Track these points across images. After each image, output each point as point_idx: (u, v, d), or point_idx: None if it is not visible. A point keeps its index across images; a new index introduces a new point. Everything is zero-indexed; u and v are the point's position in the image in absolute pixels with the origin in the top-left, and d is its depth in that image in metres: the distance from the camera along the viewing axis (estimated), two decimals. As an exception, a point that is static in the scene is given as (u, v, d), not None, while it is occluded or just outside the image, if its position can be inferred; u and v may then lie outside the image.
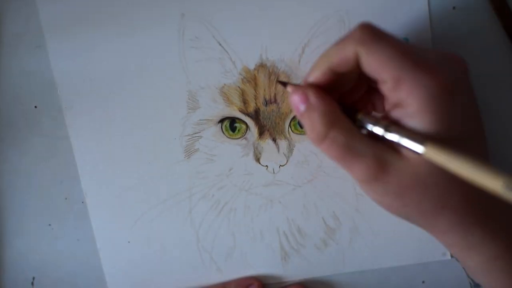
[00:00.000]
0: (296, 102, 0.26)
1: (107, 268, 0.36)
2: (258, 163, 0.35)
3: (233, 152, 0.35)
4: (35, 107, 0.35)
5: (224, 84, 0.34)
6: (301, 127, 0.34)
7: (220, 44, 0.34)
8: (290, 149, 0.34)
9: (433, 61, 0.24)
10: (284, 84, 0.30)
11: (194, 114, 0.34)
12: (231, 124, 0.34)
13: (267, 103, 0.34)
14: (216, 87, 0.34)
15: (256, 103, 0.34)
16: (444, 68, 0.24)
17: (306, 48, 0.33)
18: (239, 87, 0.34)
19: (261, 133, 0.34)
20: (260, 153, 0.34)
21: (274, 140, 0.34)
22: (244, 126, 0.34)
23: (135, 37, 0.34)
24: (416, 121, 0.24)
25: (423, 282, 0.36)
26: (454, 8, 0.33)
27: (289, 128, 0.34)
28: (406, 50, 0.24)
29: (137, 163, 0.35)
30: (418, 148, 0.23)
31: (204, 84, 0.34)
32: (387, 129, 0.25)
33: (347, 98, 0.29)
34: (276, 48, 0.33)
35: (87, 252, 0.36)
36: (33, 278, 0.37)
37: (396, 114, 0.25)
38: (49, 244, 0.36)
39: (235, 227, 0.36)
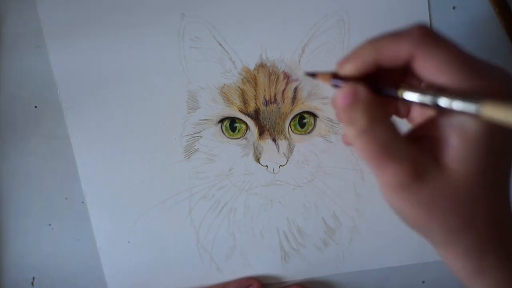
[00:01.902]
0: (343, 95, 0.24)
1: (107, 268, 0.36)
2: (258, 163, 0.35)
3: (233, 152, 0.35)
4: (35, 107, 0.35)
5: (224, 84, 0.34)
6: (302, 127, 0.34)
7: (220, 44, 0.34)
8: (290, 149, 0.34)
9: (489, 69, 0.24)
10: (313, 75, 0.27)
11: (194, 114, 0.34)
12: (231, 124, 0.34)
13: (267, 103, 0.34)
14: (216, 87, 0.34)
15: (256, 103, 0.34)
16: (496, 76, 0.24)
17: (306, 48, 0.33)
18: (239, 87, 0.34)
19: (261, 133, 0.34)
20: (260, 153, 0.34)
21: (274, 140, 0.34)
22: (244, 126, 0.34)
23: (135, 37, 0.34)
24: None
25: (423, 282, 0.36)
26: (454, 8, 0.33)
27: (289, 128, 0.34)
28: (464, 56, 0.23)
29: (137, 163, 0.35)
30: (475, 108, 0.21)
31: (204, 84, 0.34)
32: (436, 95, 0.22)
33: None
34: (276, 48, 0.33)
35: (87, 252, 0.36)
36: (33, 278, 0.37)
37: None
38: (49, 244, 0.36)
39: (235, 227, 0.36)
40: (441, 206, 0.24)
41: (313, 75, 0.27)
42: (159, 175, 0.35)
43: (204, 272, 0.36)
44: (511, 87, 0.24)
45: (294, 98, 0.34)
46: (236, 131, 0.34)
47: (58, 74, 0.34)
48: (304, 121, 0.34)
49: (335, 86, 0.26)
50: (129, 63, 0.34)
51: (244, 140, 0.34)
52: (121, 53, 0.34)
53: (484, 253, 0.25)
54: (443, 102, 0.22)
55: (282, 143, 0.34)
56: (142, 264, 0.36)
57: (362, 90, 0.24)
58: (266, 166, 0.35)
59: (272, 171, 0.35)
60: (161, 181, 0.35)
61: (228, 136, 0.34)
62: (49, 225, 0.36)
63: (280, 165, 0.35)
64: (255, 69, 0.34)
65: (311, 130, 0.34)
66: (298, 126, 0.34)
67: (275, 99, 0.34)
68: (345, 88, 0.24)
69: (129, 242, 0.36)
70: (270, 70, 0.34)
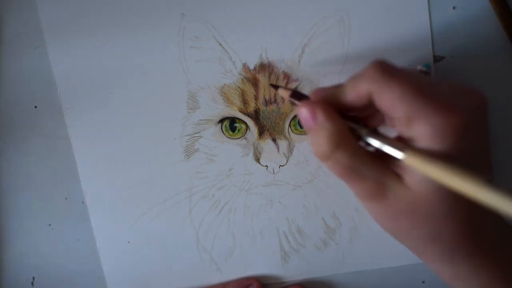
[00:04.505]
0: (304, 116, 0.26)
1: (107, 268, 0.36)
2: (258, 163, 0.35)
3: (233, 152, 0.35)
4: (35, 107, 0.35)
5: (224, 84, 0.34)
6: (301, 127, 0.34)
7: (220, 44, 0.34)
8: (290, 149, 0.34)
9: (446, 96, 0.24)
10: (276, 87, 0.31)
11: (194, 114, 0.34)
12: (231, 124, 0.34)
13: (267, 103, 0.34)
14: (216, 87, 0.34)
15: (256, 103, 0.34)
16: (457, 103, 0.24)
17: (306, 48, 0.33)
18: (239, 87, 0.34)
19: (261, 133, 0.34)
20: (260, 153, 0.34)
21: (274, 140, 0.34)
22: (244, 126, 0.34)
23: (135, 37, 0.34)
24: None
25: (423, 282, 0.36)
26: (454, 8, 0.33)
27: (289, 128, 0.34)
28: (418, 88, 0.24)
29: (137, 163, 0.35)
30: (399, 154, 0.24)
31: (204, 84, 0.34)
32: (375, 137, 0.25)
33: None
34: (276, 48, 0.33)
35: (87, 252, 0.36)
36: (33, 278, 0.37)
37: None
38: (49, 244, 0.36)
39: (235, 227, 0.36)
40: (404, 219, 0.25)
41: (276, 87, 0.31)
42: (159, 175, 0.35)
43: (204, 272, 0.36)
44: (469, 113, 0.24)
45: (294, 98, 0.34)
46: (236, 131, 0.34)
47: (58, 74, 0.34)
48: (304, 121, 0.34)
49: (292, 103, 0.29)
50: (129, 63, 0.34)
51: (244, 140, 0.34)
52: (121, 53, 0.34)
53: (455, 263, 0.26)
54: (375, 143, 0.25)
55: (282, 143, 0.34)
56: (142, 264, 0.36)
57: (320, 113, 0.26)
58: (266, 166, 0.35)
59: (272, 171, 0.35)
60: (161, 181, 0.35)
61: (228, 136, 0.34)
62: (49, 225, 0.36)
63: (280, 165, 0.35)
64: (255, 69, 0.34)
65: (311, 130, 0.34)
66: (298, 126, 0.34)
67: (275, 99, 0.34)
68: (304, 106, 0.26)
69: (129, 242, 0.36)
70: (270, 70, 0.33)
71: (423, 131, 0.23)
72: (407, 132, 0.24)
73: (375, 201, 0.26)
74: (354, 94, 0.25)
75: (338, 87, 0.26)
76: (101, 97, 0.34)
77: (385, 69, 0.24)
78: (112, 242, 0.36)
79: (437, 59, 0.33)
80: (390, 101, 0.24)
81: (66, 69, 0.34)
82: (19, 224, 0.36)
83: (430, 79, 0.26)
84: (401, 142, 0.24)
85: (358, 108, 0.26)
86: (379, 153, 0.26)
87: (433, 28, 0.33)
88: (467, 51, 0.33)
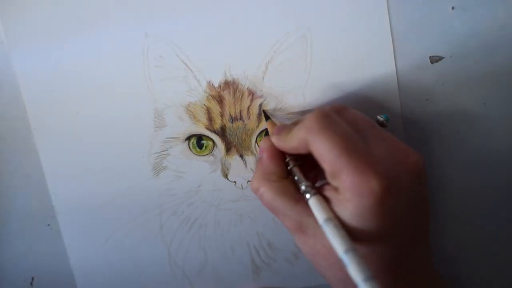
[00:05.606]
0: (260, 148, 0.29)
1: (82, 286, 0.37)
2: (226, 179, 0.35)
3: (201, 168, 0.35)
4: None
5: (190, 102, 0.34)
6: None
7: (184, 63, 0.34)
8: (258, 164, 0.34)
9: (373, 158, 0.25)
10: (266, 117, 0.33)
11: (161, 132, 0.34)
12: (198, 141, 0.34)
13: (233, 120, 0.34)
14: (182, 105, 0.34)
15: (222, 120, 0.34)
16: (383, 166, 0.24)
17: (270, 64, 0.33)
18: (204, 104, 0.34)
19: (228, 150, 0.34)
20: (228, 169, 0.35)
21: (241, 156, 0.34)
22: (211, 143, 0.34)
23: (100, 57, 0.34)
24: (341, 208, 0.24)
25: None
26: (453, 8, 0.33)
27: (256, 144, 0.34)
28: (346, 144, 0.24)
29: (107, 181, 0.35)
30: (307, 194, 0.26)
31: (170, 103, 0.34)
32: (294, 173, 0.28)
33: None
34: (240, 65, 0.33)
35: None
36: (32, 278, 0.37)
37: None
38: (49, 244, 0.37)
39: (206, 243, 0.36)
40: (322, 260, 0.27)
41: (266, 117, 0.33)
42: (129, 193, 0.35)
43: None
44: (394, 178, 0.24)
45: (259, 114, 0.34)
46: (203, 148, 0.34)
47: (27, 97, 0.34)
48: (270, 137, 0.34)
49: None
50: (95, 82, 0.34)
51: (211, 156, 0.35)
52: (87, 72, 0.34)
53: None
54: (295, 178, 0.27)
55: (249, 159, 0.34)
56: (115, 281, 0.36)
57: (265, 151, 0.29)
58: (235, 182, 0.35)
59: (241, 187, 0.35)
60: (131, 198, 0.35)
61: (196, 153, 0.35)
62: (49, 225, 0.37)
63: (248, 181, 0.35)
64: (219, 86, 0.34)
65: (278, 146, 0.34)
66: (264, 142, 0.34)
67: (241, 116, 0.34)
68: (262, 143, 0.29)
69: (101, 260, 0.36)
70: (235, 87, 0.34)
71: (343, 186, 0.24)
72: (332, 182, 0.25)
73: (296, 235, 0.27)
74: (295, 141, 0.26)
75: (288, 132, 0.27)
76: (69, 117, 0.35)
77: (321, 119, 0.25)
78: (84, 260, 0.36)
79: (435, 59, 0.33)
80: (319, 152, 0.25)
81: (34, 88, 0.34)
82: (19, 224, 0.37)
83: (367, 135, 0.26)
84: (313, 187, 0.26)
85: (303, 153, 0.27)
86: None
87: (432, 28, 0.33)
88: (466, 51, 0.33)
